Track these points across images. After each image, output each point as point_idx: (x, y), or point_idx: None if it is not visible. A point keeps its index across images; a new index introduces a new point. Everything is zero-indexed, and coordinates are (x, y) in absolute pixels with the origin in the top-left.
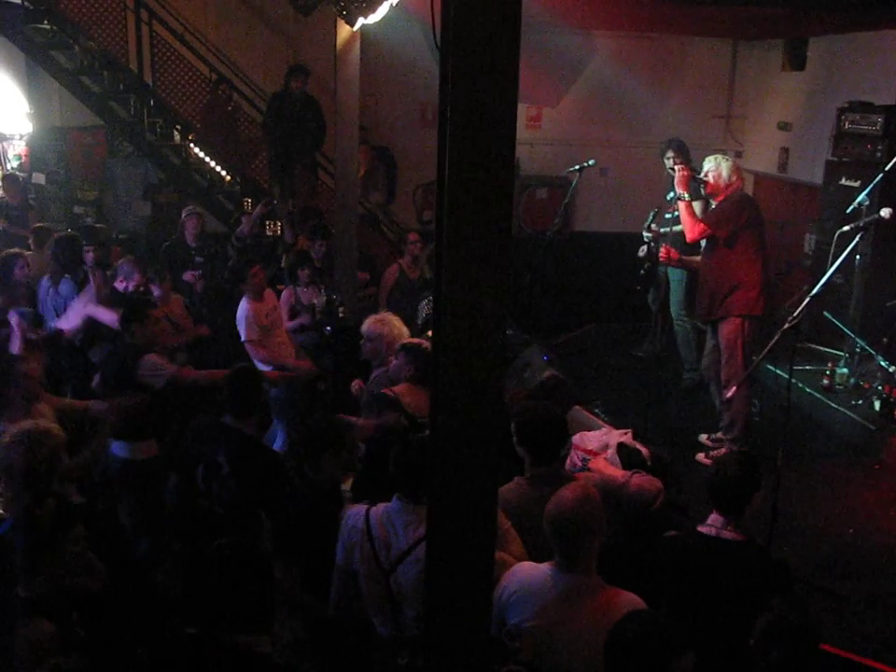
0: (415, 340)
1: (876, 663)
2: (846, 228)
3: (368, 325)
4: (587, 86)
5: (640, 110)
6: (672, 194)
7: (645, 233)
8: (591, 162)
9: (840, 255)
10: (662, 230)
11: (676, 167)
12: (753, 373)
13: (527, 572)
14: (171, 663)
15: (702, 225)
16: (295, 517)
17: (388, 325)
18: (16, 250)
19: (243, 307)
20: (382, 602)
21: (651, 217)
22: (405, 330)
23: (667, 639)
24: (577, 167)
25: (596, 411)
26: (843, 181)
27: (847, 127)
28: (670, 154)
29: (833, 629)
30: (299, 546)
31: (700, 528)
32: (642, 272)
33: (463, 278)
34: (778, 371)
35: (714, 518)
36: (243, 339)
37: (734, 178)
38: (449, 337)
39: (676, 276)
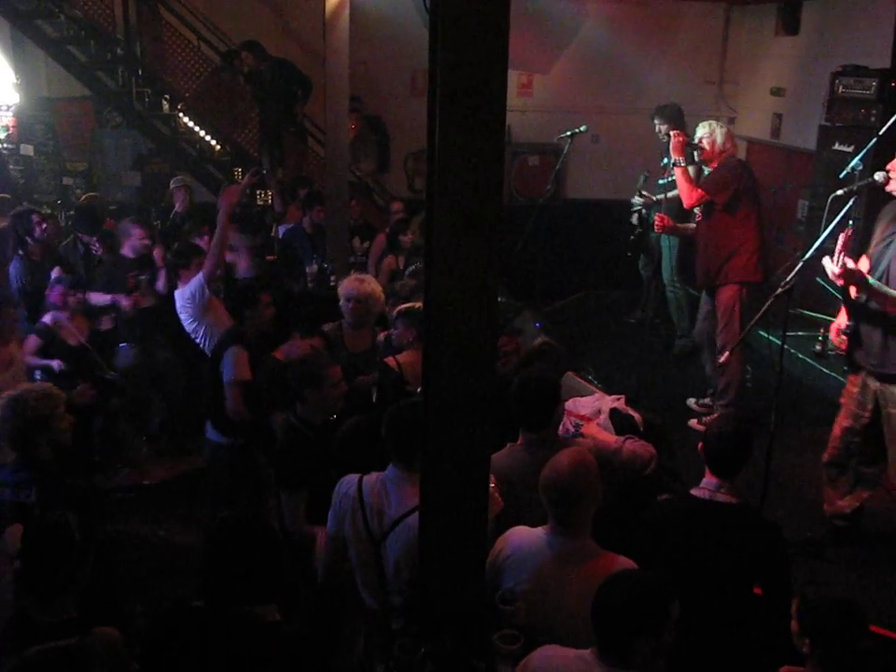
0: (412, 304)
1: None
2: (839, 192)
3: (348, 286)
4: (579, 52)
5: (632, 76)
6: (666, 160)
7: (635, 199)
8: (582, 129)
9: (833, 220)
10: (655, 196)
11: (671, 133)
12: (746, 339)
13: (522, 536)
14: (178, 635)
15: (699, 191)
16: (291, 450)
17: (368, 283)
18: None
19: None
20: (371, 571)
21: (641, 181)
22: (380, 288)
23: (653, 595)
24: (568, 133)
25: (589, 377)
26: (836, 146)
27: (840, 91)
28: (657, 121)
29: (823, 593)
30: (298, 477)
31: (693, 491)
32: (632, 238)
33: (453, 244)
34: (770, 337)
35: (707, 481)
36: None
37: (727, 145)
38: (440, 303)
39: (667, 243)
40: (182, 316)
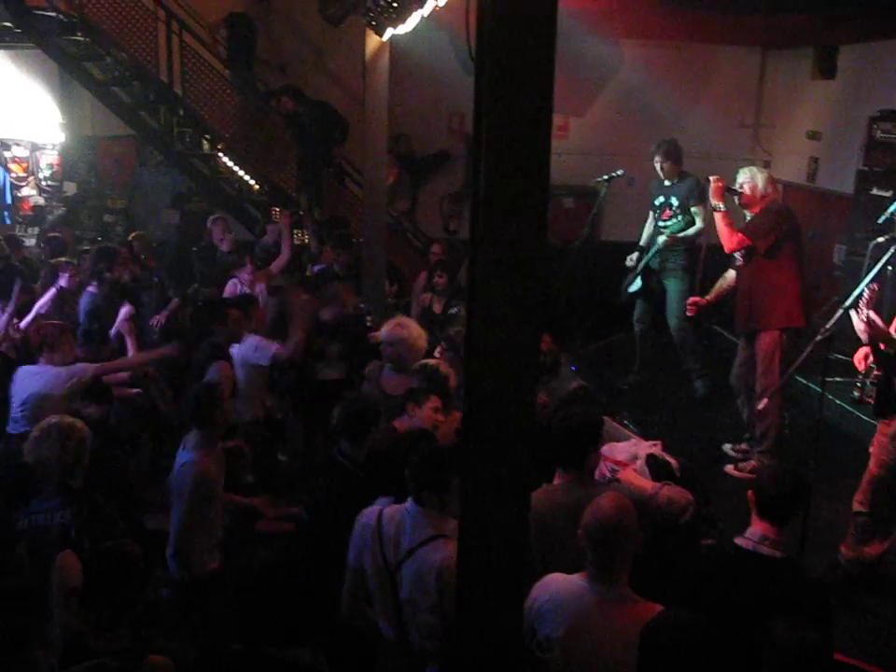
0: (431, 361)
1: None
2: (880, 239)
3: (387, 330)
4: (614, 95)
5: (668, 119)
6: (662, 199)
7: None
8: (620, 172)
9: (874, 266)
10: (659, 239)
11: (710, 178)
12: (784, 385)
13: (558, 583)
14: None
15: (740, 235)
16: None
17: (407, 328)
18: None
19: None
20: (388, 600)
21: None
22: (423, 333)
23: (701, 637)
24: (605, 177)
25: (625, 422)
26: (874, 191)
27: (878, 136)
28: (657, 158)
29: (862, 644)
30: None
31: (737, 541)
32: (630, 285)
33: (497, 289)
34: (809, 384)
35: (753, 531)
36: None
37: (769, 189)
38: (481, 347)
39: (677, 289)
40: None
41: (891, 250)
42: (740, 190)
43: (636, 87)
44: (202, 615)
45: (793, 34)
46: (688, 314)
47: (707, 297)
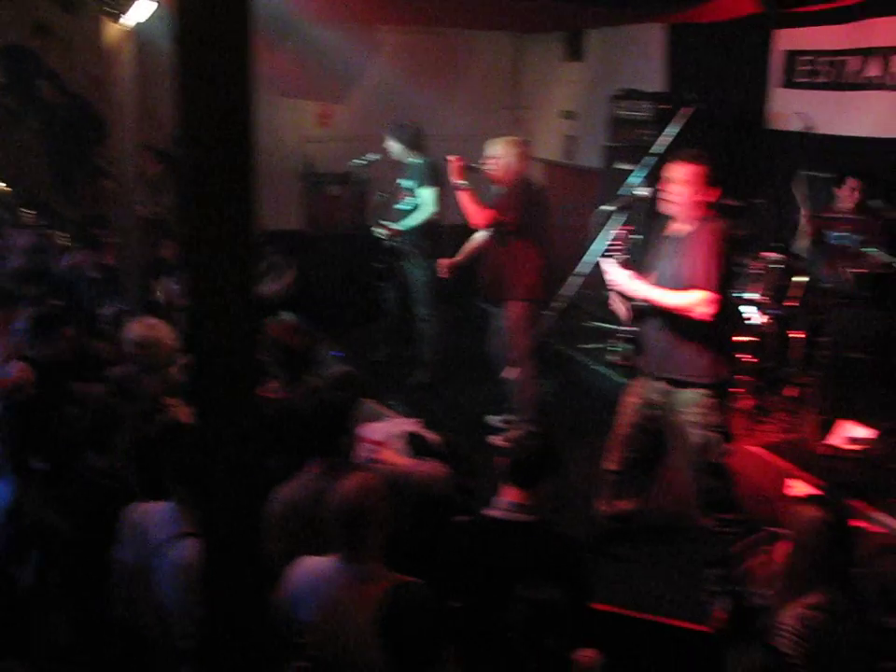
0: None
1: (657, 617)
2: (604, 207)
3: (138, 332)
4: (375, 82)
5: (429, 104)
6: (402, 182)
7: (379, 231)
8: (376, 157)
9: (600, 233)
10: (400, 226)
11: (448, 158)
12: (543, 354)
13: (311, 566)
14: None
15: (489, 210)
16: None
17: (159, 329)
18: None
19: None
20: (144, 601)
21: (377, 199)
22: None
23: (433, 607)
24: (362, 161)
25: (390, 403)
26: (619, 165)
27: (620, 114)
28: (390, 141)
29: (621, 591)
30: None
31: (489, 511)
32: (381, 267)
33: (209, 281)
34: (569, 352)
35: (501, 499)
36: None
37: (517, 164)
38: (204, 346)
39: (420, 273)
40: None
41: (615, 215)
42: (484, 167)
43: (397, 73)
44: None
45: (544, 19)
46: (441, 276)
47: (457, 257)
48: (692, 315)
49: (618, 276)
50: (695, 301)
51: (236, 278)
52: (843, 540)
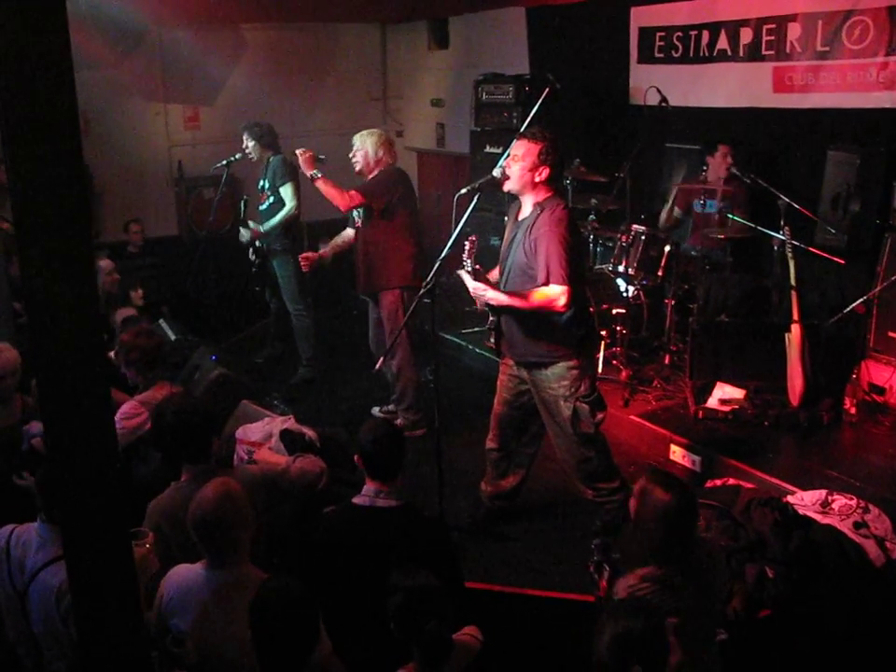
0: None
1: (538, 591)
2: (462, 191)
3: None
4: (243, 81)
5: (299, 100)
6: (262, 182)
7: (242, 232)
8: (236, 156)
9: (461, 217)
10: (262, 228)
11: (297, 152)
12: (427, 342)
13: (182, 575)
14: None
15: (353, 193)
16: None
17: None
18: None
19: None
20: (19, 627)
21: (241, 209)
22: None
23: (303, 600)
24: (223, 162)
25: (275, 402)
26: (487, 149)
27: (484, 98)
28: (245, 137)
29: (505, 569)
30: None
31: (355, 500)
32: (254, 270)
33: (46, 292)
34: (450, 337)
35: (367, 488)
36: None
37: (382, 153)
38: (44, 365)
39: (282, 272)
40: None
41: (474, 200)
42: (353, 158)
43: (263, 71)
44: None
45: (407, 8)
46: (303, 268)
47: (322, 251)
48: (552, 309)
49: (473, 287)
50: (552, 296)
51: (72, 292)
52: (682, 526)
